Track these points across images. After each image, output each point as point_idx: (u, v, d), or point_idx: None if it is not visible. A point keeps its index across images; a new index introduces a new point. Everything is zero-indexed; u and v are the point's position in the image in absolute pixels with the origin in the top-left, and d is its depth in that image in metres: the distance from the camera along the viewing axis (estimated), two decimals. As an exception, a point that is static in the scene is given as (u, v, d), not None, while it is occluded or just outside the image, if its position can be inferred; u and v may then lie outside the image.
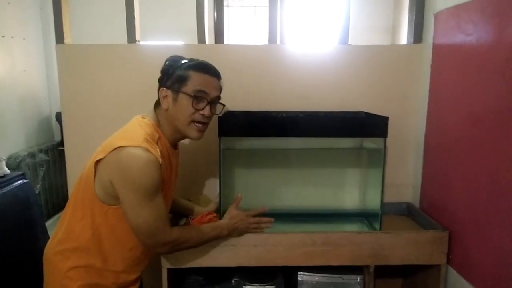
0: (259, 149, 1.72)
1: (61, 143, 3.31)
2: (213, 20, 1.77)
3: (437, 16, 1.55)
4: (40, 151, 3.11)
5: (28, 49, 3.16)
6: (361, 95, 1.71)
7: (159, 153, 1.10)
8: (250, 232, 1.37)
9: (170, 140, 1.22)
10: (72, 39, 1.75)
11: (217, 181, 1.50)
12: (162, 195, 1.13)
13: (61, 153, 3.31)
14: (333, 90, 1.71)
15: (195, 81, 1.17)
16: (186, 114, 1.17)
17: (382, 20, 3.90)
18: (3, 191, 1.89)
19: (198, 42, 1.70)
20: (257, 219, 1.38)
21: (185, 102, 1.16)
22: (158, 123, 1.20)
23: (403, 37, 1.84)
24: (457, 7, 1.39)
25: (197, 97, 1.17)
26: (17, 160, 2.82)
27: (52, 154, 3.28)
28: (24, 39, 3.10)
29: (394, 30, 3.92)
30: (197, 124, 1.20)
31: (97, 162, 1.10)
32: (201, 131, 1.22)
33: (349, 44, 1.71)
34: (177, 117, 1.18)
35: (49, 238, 1.25)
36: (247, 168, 1.74)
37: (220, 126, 1.38)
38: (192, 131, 1.20)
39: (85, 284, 1.15)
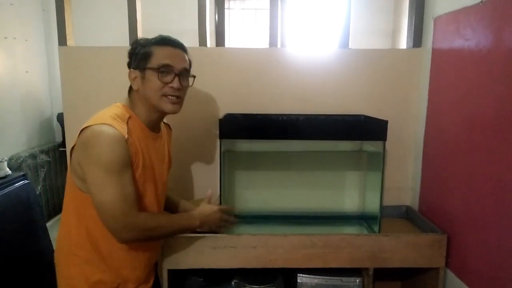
0: (260, 152, 1.73)
1: (62, 144, 3.32)
2: (214, 23, 1.78)
3: (436, 20, 1.56)
4: (41, 152, 3.12)
5: (30, 50, 3.18)
6: (361, 99, 1.72)
7: (126, 130, 1.09)
8: (217, 229, 1.34)
9: (147, 121, 1.20)
10: (74, 41, 1.76)
11: (217, 183, 1.51)
12: (130, 175, 1.10)
13: (62, 154, 3.32)
14: (333, 93, 1.72)
15: (158, 55, 1.16)
16: (155, 89, 1.16)
17: (382, 24, 3.91)
18: (4, 192, 1.90)
19: (200, 45, 1.71)
20: (226, 216, 1.35)
21: (152, 77, 1.15)
22: (131, 106, 1.20)
23: (403, 41, 1.85)
24: (456, 12, 1.40)
25: (163, 70, 1.16)
26: (18, 161, 2.83)
27: (53, 155, 3.29)
28: (26, 40, 3.12)
29: (394, 34, 3.94)
30: (169, 97, 1.17)
31: (72, 150, 1.11)
32: (175, 103, 1.19)
33: (349, 48, 1.72)
34: (148, 94, 1.17)
35: (49, 239, 1.26)
36: (247, 171, 1.75)
37: (220, 128, 1.39)
38: (165, 104, 1.18)
39: (87, 281, 1.14)
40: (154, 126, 1.24)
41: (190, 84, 1.25)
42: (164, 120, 1.31)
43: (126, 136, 1.07)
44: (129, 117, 1.15)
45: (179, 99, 1.20)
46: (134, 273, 1.20)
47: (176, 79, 1.17)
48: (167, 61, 1.16)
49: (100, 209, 1.06)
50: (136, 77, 1.18)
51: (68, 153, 1.12)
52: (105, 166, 1.04)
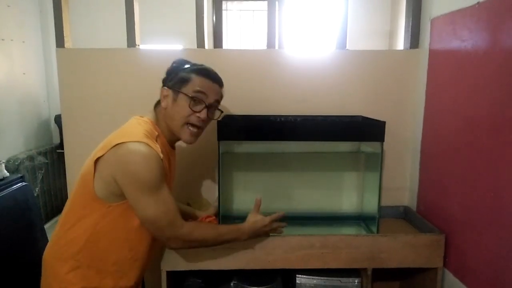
0: (258, 153, 1.73)
1: (60, 146, 3.32)
2: (212, 24, 1.79)
3: (433, 22, 1.57)
4: (39, 154, 3.12)
5: (27, 52, 3.17)
6: (358, 100, 1.73)
7: (159, 149, 1.11)
8: (268, 235, 1.36)
9: (168, 139, 1.24)
10: (72, 43, 1.76)
11: (216, 184, 1.51)
12: (167, 189, 1.14)
13: (60, 156, 3.31)
14: (331, 94, 1.72)
15: (196, 83, 1.19)
16: (182, 114, 1.18)
17: (380, 25, 3.93)
18: (2, 194, 1.89)
19: (198, 47, 1.71)
20: (277, 223, 1.35)
21: (183, 102, 1.18)
22: (157, 122, 1.22)
23: (400, 42, 1.85)
24: (453, 13, 1.41)
25: (195, 99, 1.19)
26: (16, 163, 2.82)
27: (51, 157, 3.28)
28: (23, 42, 3.11)
29: (391, 35, 3.95)
30: (190, 128, 1.20)
31: (97, 160, 1.10)
32: (194, 136, 1.22)
33: (347, 49, 1.73)
34: (174, 117, 1.19)
35: (48, 241, 1.25)
36: (246, 172, 1.75)
37: (219, 130, 1.39)
38: (185, 134, 1.21)
39: (85, 287, 1.15)
40: (173, 143, 1.28)
41: (216, 118, 1.29)
42: None
43: (161, 155, 1.10)
44: (157, 135, 1.18)
45: (199, 131, 1.23)
46: (131, 282, 1.22)
47: (205, 110, 1.20)
48: (202, 90, 1.19)
49: (147, 224, 1.12)
50: (167, 96, 1.20)
51: (91, 162, 1.11)
52: (146, 185, 1.08)
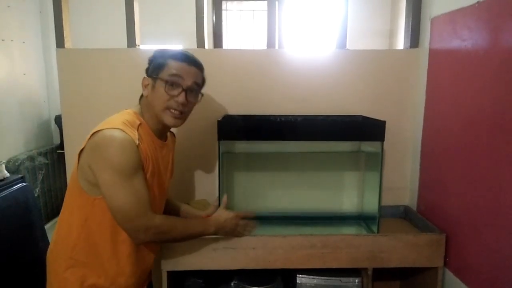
0: (258, 153, 1.73)
1: (60, 146, 3.32)
2: (212, 24, 1.79)
3: (433, 21, 1.57)
4: (39, 154, 3.12)
5: (27, 53, 3.17)
6: (358, 99, 1.73)
7: (137, 136, 1.10)
8: (236, 234, 1.36)
9: (154, 129, 1.22)
10: (72, 43, 1.76)
11: (216, 185, 1.51)
12: (143, 179, 1.11)
13: (60, 156, 3.31)
14: (331, 94, 1.72)
15: (171, 67, 1.17)
16: (161, 100, 1.17)
17: (380, 25, 3.93)
18: (2, 194, 1.90)
19: (198, 47, 1.71)
20: (244, 221, 1.37)
21: (160, 88, 1.17)
22: (140, 112, 1.21)
23: (400, 42, 1.85)
24: (453, 12, 1.41)
25: (171, 83, 1.17)
26: (17, 164, 2.82)
27: (51, 157, 3.28)
28: (23, 42, 3.11)
29: (391, 34, 3.95)
30: (172, 111, 1.18)
31: (80, 153, 1.11)
32: (178, 118, 1.20)
33: (347, 49, 1.73)
34: (154, 103, 1.18)
35: (48, 241, 1.26)
36: (246, 172, 1.75)
37: (219, 130, 1.39)
38: (167, 117, 1.19)
39: (82, 285, 1.15)
40: (161, 134, 1.26)
41: (197, 101, 1.26)
42: None
43: (137, 142, 1.09)
44: (140, 124, 1.17)
45: (182, 115, 1.21)
46: (130, 280, 1.21)
47: (183, 94, 1.18)
48: (177, 73, 1.18)
49: (115, 211, 1.08)
50: (147, 84, 1.20)
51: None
52: (117, 170, 1.06)
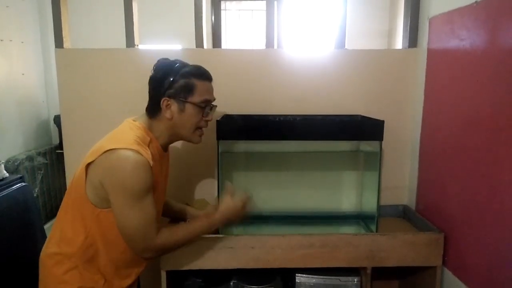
0: (257, 152, 1.73)
1: (59, 146, 3.31)
2: (211, 24, 1.79)
3: (431, 21, 1.57)
4: (38, 154, 3.12)
5: (26, 53, 3.17)
6: (357, 99, 1.73)
7: (150, 156, 1.10)
8: (242, 219, 1.32)
9: (162, 143, 1.23)
10: (71, 43, 1.76)
11: (215, 184, 1.51)
12: (152, 196, 1.13)
13: (59, 156, 3.31)
14: (330, 93, 1.72)
15: (201, 90, 1.19)
16: (193, 122, 1.20)
17: (378, 25, 3.93)
18: (1, 195, 1.89)
19: (196, 47, 1.71)
20: (246, 209, 1.32)
21: (192, 111, 1.19)
22: (149, 127, 1.20)
23: (399, 42, 1.86)
24: (451, 12, 1.41)
25: (205, 106, 1.21)
26: (16, 163, 2.83)
27: (50, 157, 3.28)
28: (22, 42, 3.11)
29: (390, 34, 3.96)
30: (201, 130, 1.25)
31: (88, 165, 1.11)
32: (202, 135, 1.27)
33: (345, 49, 1.73)
34: (184, 125, 1.20)
35: (47, 241, 1.26)
36: (245, 171, 1.75)
37: (218, 129, 1.39)
38: (196, 137, 1.25)
39: (80, 287, 1.16)
40: (167, 146, 1.28)
41: (214, 114, 1.30)
42: None
43: (151, 163, 1.09)
44: (150, 141, 1.17)
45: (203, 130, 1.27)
46: (125, 282, 1.23)
47: (211, 112, 1.24)
48: (208, 97, 1.22)
49: (123, 232, 1.12)
50: (169, 105, 1.18)
51: (83, 167, 1.12)
52: (130, 193, 1.07)
